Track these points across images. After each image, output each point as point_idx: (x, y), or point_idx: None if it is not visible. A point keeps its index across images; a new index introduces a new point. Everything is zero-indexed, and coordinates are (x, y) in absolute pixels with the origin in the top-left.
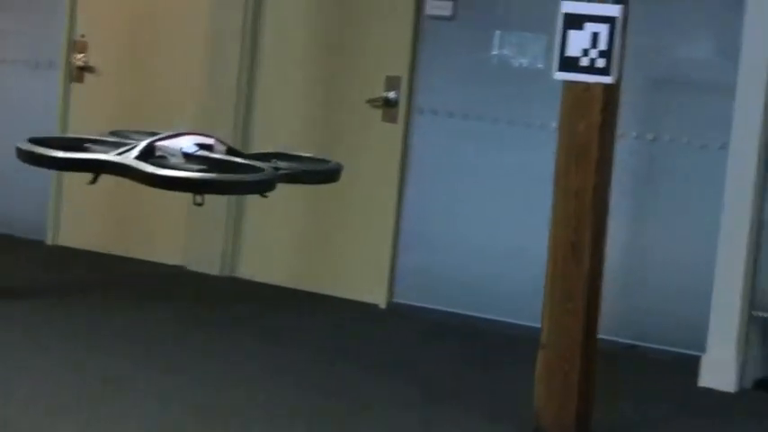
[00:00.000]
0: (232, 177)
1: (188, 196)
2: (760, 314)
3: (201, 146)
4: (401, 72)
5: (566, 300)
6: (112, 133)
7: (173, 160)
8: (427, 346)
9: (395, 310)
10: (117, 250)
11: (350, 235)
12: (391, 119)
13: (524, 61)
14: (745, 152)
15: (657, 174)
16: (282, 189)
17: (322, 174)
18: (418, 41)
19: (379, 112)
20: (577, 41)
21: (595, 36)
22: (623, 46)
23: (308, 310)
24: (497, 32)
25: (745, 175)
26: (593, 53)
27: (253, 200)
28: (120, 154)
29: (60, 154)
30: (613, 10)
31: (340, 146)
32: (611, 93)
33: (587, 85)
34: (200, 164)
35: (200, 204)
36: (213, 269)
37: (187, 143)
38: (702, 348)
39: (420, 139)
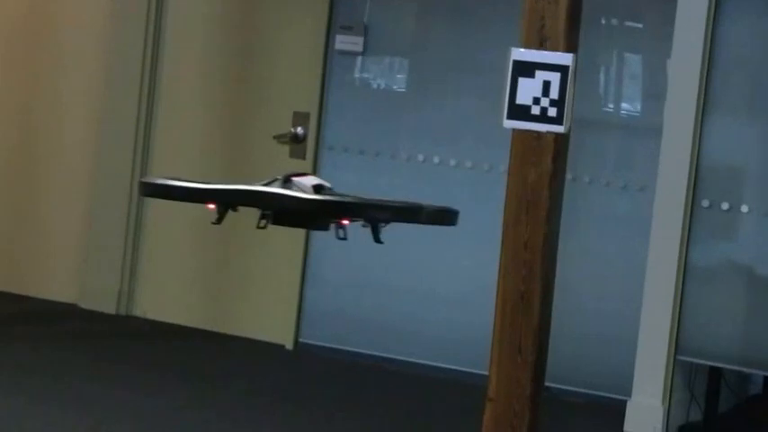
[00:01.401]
0: (404, 204)
1: (83, 229)
2: (685, 359)
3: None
4: (310, 108)
5: (515, 353)
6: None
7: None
8: (336, 389)
9: (303, 350)
10: (1, 286)
11: (255, 272)
12: (299, 155)
13: (438, 97)
14: (672, 194)
15: (576, 215)
16: (185, 223)
17: (448, 215)
18: (327, 77)
19: (286, 149)
20: (528, 89)
21: (547, 85)
22: (574, 95)
23: (210, 350)
24: (409, 68)
25: (671, 218)
26: (545, 102)
27: (151, 233)
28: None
29: (207, 186)
30: (565, 59)
31: (245, 183)
32: (562, 142)
33: (538, 134)
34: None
35: (343, 239)
36: (109, 307)
37: (313, 181)
38: (629, 393)
39: (330, 177)
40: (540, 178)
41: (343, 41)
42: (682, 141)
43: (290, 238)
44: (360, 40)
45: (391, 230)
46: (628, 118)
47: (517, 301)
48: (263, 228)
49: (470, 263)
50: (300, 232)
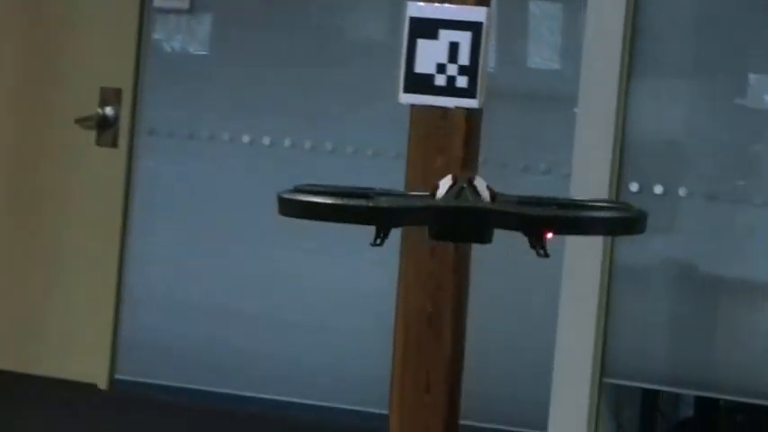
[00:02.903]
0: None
1: None
2: (612, 381)
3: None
4: (122, 83)
5: (422, 390)
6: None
7: (486, 201)
8: None
9: (121, 390)
10: None
11: (56, 296)
12: (110, 143)
13: (291, 64)
14: (593, 176)
15: None
16: None
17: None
18: (144, 42)
19: (92, 135)
20: (430, 54)
21: (454, 47)
22: (487, 59)
23: None
24: (253, 29)
25: None
26: (452, 69)
27: None
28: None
29: (408, 202)
30: (478, 13)
31: (40, 180)
32: (475, 120)
33: (444, 111)
34: (524, 203)
35: (547, 256)
36: None
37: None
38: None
39: (150, 169)
40: (449, 168)
41: None
42: (603, 111)
43: (99, 249)
44: None
45: (242, 238)
46: (545, 85)
47: (423, 325)
48: (379, 245)
49: (353, 276)
50: (113, 235)
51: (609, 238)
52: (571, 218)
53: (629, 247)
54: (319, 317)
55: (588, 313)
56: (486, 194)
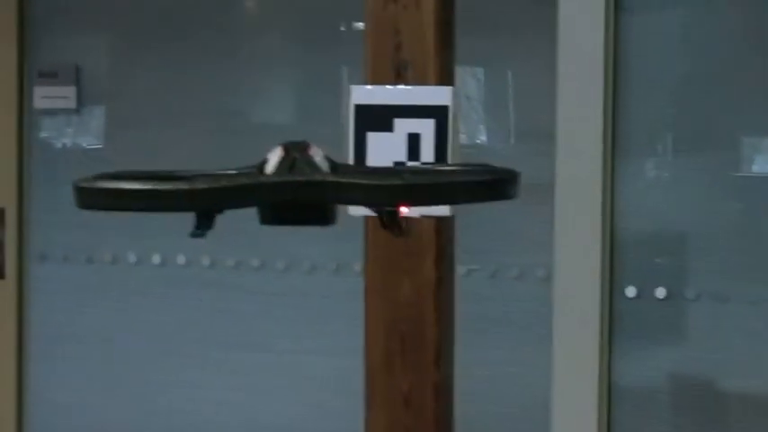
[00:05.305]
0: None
1: None
2: None
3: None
4: (4, 202)
5: None
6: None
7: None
8: None
9: None
10: None
11: None
12: None
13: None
14: (578, 284)
15: None
16: None
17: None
18: (26, 150)
19: None
20: (384, 149)
21: (414, 140)
22: (458, 151)
23: None
24: (150, 131)
25: (582, 315)
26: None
27: None
28: (291, 170)
29: (226, 182)
30: (443, 95)
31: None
32: (447, 230)
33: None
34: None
35: (402, 234)
36: None
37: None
38: None
39: (43, 300)
40: (421, 292)
41: (44, 94)
42: (587, 202)
43: None
44: (71, 91)
45: (146, 370)
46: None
47: None
48: (202, 236)
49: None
50: (9, 376)
51: (603, 350)
52: (428, 185)
53: (627, 359)
54: None
55: None
56: (325, 166)
